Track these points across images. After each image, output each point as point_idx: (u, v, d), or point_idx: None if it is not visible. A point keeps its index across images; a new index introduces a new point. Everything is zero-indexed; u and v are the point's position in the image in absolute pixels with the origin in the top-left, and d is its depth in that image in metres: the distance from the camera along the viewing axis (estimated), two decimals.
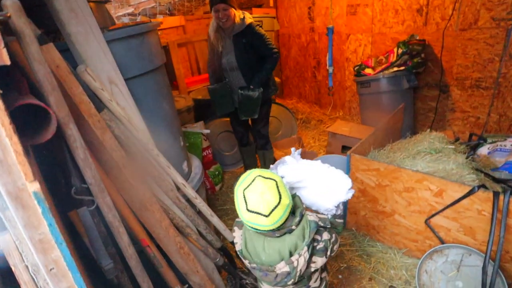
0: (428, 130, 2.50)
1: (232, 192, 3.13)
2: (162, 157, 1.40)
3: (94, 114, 1.12)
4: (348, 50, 4.04)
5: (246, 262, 1.16)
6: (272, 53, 2.43)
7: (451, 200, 1.79)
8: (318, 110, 4.61)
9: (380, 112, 3.33)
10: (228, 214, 2.77)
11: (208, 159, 3.08)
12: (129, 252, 1.17)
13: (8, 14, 0.72)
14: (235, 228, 1.26)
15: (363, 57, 3.90)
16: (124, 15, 3.37)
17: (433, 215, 1.89)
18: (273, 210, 1.01)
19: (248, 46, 2.40)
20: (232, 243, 1.83)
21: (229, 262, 1.82)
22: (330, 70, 3.65)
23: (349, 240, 2.31)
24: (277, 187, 1.04)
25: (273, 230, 1.06)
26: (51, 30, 1.42)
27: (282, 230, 1.08)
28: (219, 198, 3.02)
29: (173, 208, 1.47)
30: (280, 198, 1.03)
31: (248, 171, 1.10)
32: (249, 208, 1.03)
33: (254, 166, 3.19)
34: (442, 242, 1.90)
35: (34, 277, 0.84)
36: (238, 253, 1.20)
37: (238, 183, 1.09)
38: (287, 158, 1.42)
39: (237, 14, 2.36)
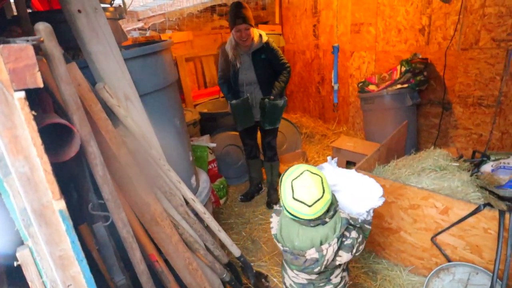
0: (432, 147, 2.53)
1: (237, 206, 3.15)
2: (173, 172, 1.42)
3: (111, 130, 1.16)
4: (352, 67, 4.11)
5: (279, 245, 1.31)
6: (286, 67, 2.61)
7: (457, 218, 1.80)
8: (322, 124, 4.65)
9: (384, 128, 3.36)
10: (233, 228, 2.77)
11: (213, 172, 3.10)
12: (141, 268, 1.19)
13: (41, 39, 0.76)
14: (273, 215, 1.41)
15: (366, 74, 3.97)
16: (134, 29, 3.46)
17: (439, 233, 1.89)
18: (316, 202, 1.14)
19: (267, 61, 2.56)
20: (239, 258, 1.84)
21: (235, 278, 1.81)
22: (336, 87, 3.71)
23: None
24: (322, 182, 1.17)
25: (310, 220, 1.18)
26: (70, 47, 1.48)
27: (317, 221, 1.20)
28: (224, 212, 3.02)
29: (182, 223, 1.48)
30: (323, 192, 1.15)
31: (296, 165, 1.24)
32: (295, 196, 1.15)
33: (260, 179, 3.21)
34: (449, 260, 1.90)
35: None
36: (273, 236, 1.35)
37: (286, 174, 1.23)
38: (324, 164, 1.54)
39: (256, 33, 2.50)
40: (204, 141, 3.02)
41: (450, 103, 3.32)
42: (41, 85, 0.69)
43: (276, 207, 1.43)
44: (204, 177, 2.08)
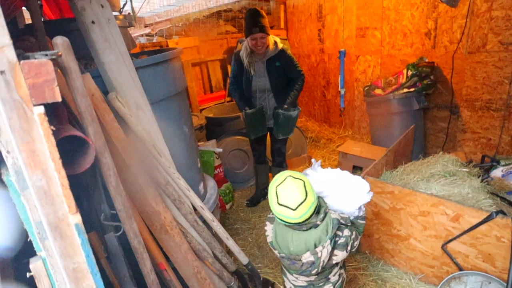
0: (441, 152, 2.51)
1: (243, 212, 3.15)
2: (182, 180, 1.43)
3: (123, 140, 1.16)
4: (358, 71, 4.11)
5: (276, 252, 1.35)
6: (300, 75, 2.60)
7: (468, 225, 1.77)
8: (328, 128, 4.64)
9: (391, 132, 3.35)
10: (239, 234, 2.76)
11: (219, 177, 3.10)
12: (151, 279, 1.19)
13: (60, 53, 0.77)
14: (267, 222, 1.45)
15: (372, 78, 3.96)
16: (141, 35, 3.49)
17: (450, 241, 1.87)
18: (299, 205, 1.18)
19: (281, 69, 2.55)
20: (246, 265, 1.83)
21: (243, 286, 1.80)
22: (342, 92, 3.71)
23: (363, 263, 2.28)
24: (305, 186, 1.21)
25: (299, 224, 1.22)
26: (81, 56, 1.49)
27: (308, 224, 1.23)
28: (229, 217, 3.02)
29: (191, 231, 1.48)
30: (306, 195, 1.19)
31: (281, 172, 1.28)
32: (279, 202, 1.20)
33: (266, 184, 3.20)
34: (460, 268, 1.87)
35: None
36: (269, 244, 1.39)
37: (272, 181, 1.27)
38: (308, 170, 1.54)
39: (271, 40, 2.49)
40: (211, 146, 3.03)
41: (458, 107, 3.30)
42: (60, 99, 0.70)
43: (269, 214, 1.46)
44: (211, 183, 2.08)
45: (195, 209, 1.58)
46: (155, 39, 3.56)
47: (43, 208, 0.75)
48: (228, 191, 3.11)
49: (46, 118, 0.65)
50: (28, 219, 0.79)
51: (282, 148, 2.87)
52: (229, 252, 1.82)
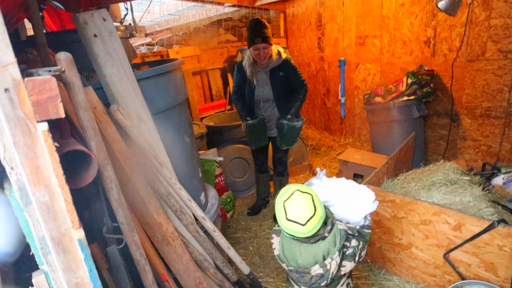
0: (442, 160, 2.51)
1: (244, 220, 3.13)
2: (184, 190, 1.43)
3: (125, 152, 1.17)
4: (357, 79, 4.13)
5: (283, 265, 1.33)
6: (303, 85, 2.58)
7: (470, 234, 1.76)
8: (328, 136, 4.65)
9: (391, 140, 3.35)
10: (240, 243, 2.75)
11: (220, 186, 3.10)
12: None
13: (63, 69, 0.78)
14: (273, 235, 1.44)
15: (372, 86, 3.98)
16: (142, 45, 3.52)
17: (452, 249, 1.86)
18: (308, 220, 1.17)
19: (284, 79, 2.53)
20: (248, 275, 1.82)
21: None
22: (343, 100, 3.73)
23: (364, 272, 2.26)
24: (313, 200, 1.20)
25: (308, 237, 1.21)
26: (83, 68, 1.51)
27: (316, 237, 1.23)
28: (230, 226, 3.01)
29: (192, 242, 1.48)
30: (315, 210, 1.18)
31: (288, 186, 1.28)
32: (288, 217, 1.19)
33: (267, 193, 3.20)
34: (463, 278, 1.86)
35: None
36: (276, 257, 1.37)
37: (279, 195, 1.27)
38: (313, 180, 1.54)
39: (274, 50, 2.48)
40: (211, 154, 3.03)
41: (458, 115, 3.31)
42: (63, 116, 0.71)
43: (275, 227, 1.45)
44: (212, 193, 2.08)
45: (196, 220, 1.58)
46: (155, 49, 3.60)
47: (46, 223, 0.75)
48: (229, 199, 3.10)
49: (50, 135, 0.66)
50: (31, 233, 0.79)
51: (283, 158, 2.86)
52: (230, 262, 1.81)
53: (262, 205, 3.18)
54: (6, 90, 0.65)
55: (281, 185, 2.95)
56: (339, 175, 3.42)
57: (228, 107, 4.34)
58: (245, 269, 1.76)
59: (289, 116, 2.51)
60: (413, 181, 2.33)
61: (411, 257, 2.07)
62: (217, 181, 3.07)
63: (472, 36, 3.02)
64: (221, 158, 2.99)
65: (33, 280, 0.88)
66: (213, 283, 1.58)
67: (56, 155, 0.66)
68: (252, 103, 2.65)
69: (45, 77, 0.68)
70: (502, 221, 1.68)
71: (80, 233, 0.72)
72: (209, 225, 1.54)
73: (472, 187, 2.12)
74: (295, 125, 2.50)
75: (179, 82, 1.63)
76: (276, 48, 2.52)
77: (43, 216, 0.73)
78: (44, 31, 2.19)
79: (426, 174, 2.35)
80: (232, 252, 1.66)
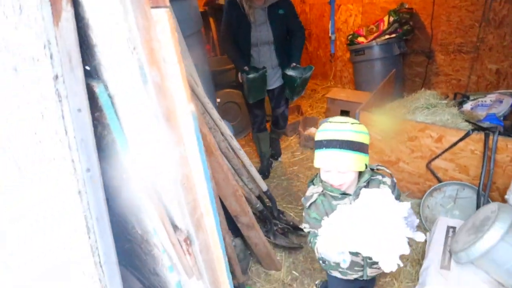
0: (423, 89, 2.81)
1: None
2: (215, 110, 1.54)
3: None
4: (339, 21, 4.22)
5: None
6: (301, 27, 2.40)
7: (449, 144, 2.10)
8: (310, 80, 4.81)
9: (373, 78, 3.60)
10: None
11: None
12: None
13: None
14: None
15: (353, 27, 4.11)
16: None
17: (433, 159, 2.20)
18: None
19: (284, 18, 2.30)
20: (265, 192, 2.04)
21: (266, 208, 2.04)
22: (333, 37, 3.82)
23: None
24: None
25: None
26: None
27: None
28: None
29: (224, 159, 1.64)
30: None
31: None
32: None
33: (270, 152, 2.99)
34: (440, 181, 2.23)
35: None
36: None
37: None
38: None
39: None
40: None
41: (433, 51, 3.59)
42: (168, 5, 0.77)
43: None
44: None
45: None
46: None
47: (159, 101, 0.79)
48: None
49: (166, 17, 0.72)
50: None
51: (285, 112, 2.72)
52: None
53: (270, 166, 3.00)
54: None
55: (279, 136, 2.98)
56: (326, 112, 3.67)
57: (212, 54, 4.27)
58: (263, 186, 1.98)
59: (294, 64, 2.34)
60: (398, 108, 2.62)
61: (398, 171, 2.42)
62: None
63: None
64: (218, 100, 3.07)
65: None
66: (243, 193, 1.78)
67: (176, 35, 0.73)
68: (247, 47, 2.31)
69: None
70: (475, 129, 2.01)
71: (191, 106, 0.79)
72: (235, 144, 1.69)
73: (450, 108, 2.44)
74: (307, 76, 2.33)
75: (194, 9, 1.66)
76: None
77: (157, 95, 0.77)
78: None
79: (410, 101, 2.64)
80: (253, 170, 1.86)
